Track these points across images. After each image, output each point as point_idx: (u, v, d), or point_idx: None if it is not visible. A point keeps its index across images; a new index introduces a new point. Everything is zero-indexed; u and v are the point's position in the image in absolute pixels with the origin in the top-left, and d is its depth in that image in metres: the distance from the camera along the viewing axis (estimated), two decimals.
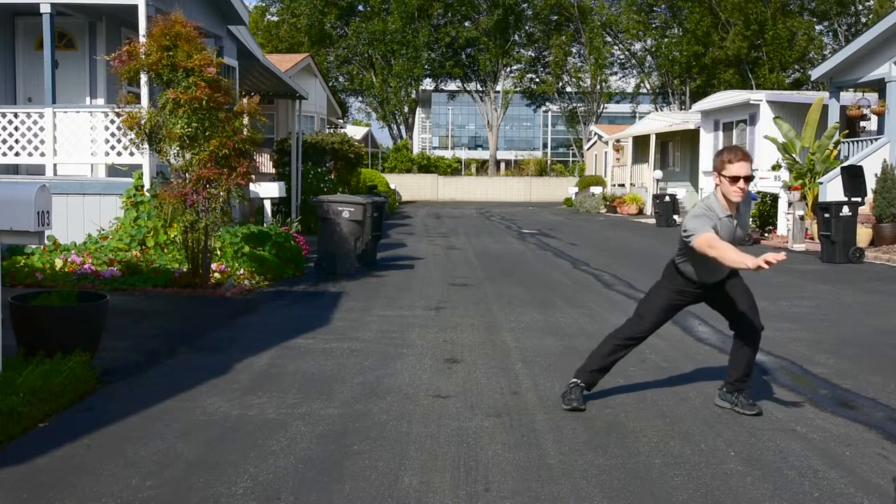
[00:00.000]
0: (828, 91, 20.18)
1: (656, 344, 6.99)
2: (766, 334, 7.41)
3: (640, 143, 33.01)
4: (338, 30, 51.88)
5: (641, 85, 50.98)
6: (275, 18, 51.40)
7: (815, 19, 46.11)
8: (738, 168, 4.66)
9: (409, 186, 44.54)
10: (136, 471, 3.89)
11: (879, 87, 18.77)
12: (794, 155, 18.28)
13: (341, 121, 38.13)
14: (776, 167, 19.65)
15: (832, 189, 16.12)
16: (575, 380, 5.10)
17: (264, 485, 3.76)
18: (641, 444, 4.39)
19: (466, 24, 51.47)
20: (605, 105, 53.07)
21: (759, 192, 19.13)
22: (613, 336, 5.15)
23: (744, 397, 5.01)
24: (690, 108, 34.49)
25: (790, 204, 16.95)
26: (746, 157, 4.71)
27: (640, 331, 5.07)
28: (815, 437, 4.56)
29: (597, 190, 35.25)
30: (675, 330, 7.67)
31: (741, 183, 4.67)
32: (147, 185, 11.12)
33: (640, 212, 30.77)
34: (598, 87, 50.76)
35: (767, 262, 4.24)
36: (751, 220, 18.22)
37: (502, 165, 66.31)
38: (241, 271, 10.13)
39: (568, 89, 52.90)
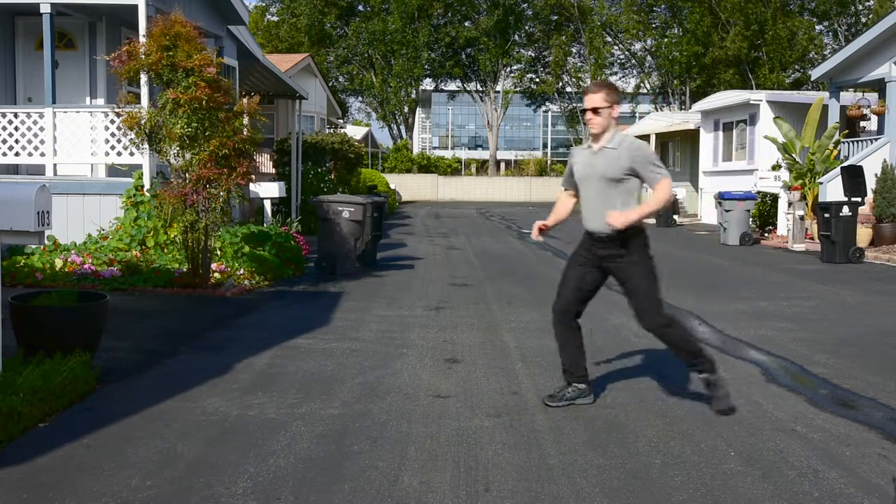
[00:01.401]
0: (828, 91, 20.17)
1: (656, 344, 6.98)
2: (766, 334, 7.46)
3: None
4: (338, 30, 51.87)
5: (641, 85, 50.96)
6: (275, 18, 51.39)
7: (815, 19, 46.08)
8: (585, 101, 4.89)
9: (409, 186, 44.51)
10: (136, 471, 3.89)
11: (879, 87, 18.76)
12: (794, 155, 18.28)
13: (341, 121, 38.13)
14: (776, 167, 19.65)
15: (832, 189, 16.12)
16: (574, 384, 5.10)
17: (264, 485, 3.76)
18: (641, 444, 4.38)
19: (466, 24, 51.44)
20: None
21: (759, 192, 19.13)
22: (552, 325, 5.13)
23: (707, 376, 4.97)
24: (690, 108, 34.46)
25: (790, 204, 16.95)
26: (591, 90, 4.87)
27: (559, 305, 5.01)
28: (815, 437, 4.56)
29: None
30: None
31: (588, 114, 4.86)
32: (147, 185, 11.12)
33: None
34: None
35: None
36: (751, 220, 18.33)
37: (502, 165, 66.28)
38: (241, 271, 10.13)
39: (568, 89, 52.89)
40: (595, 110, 4.80)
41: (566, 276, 5.04)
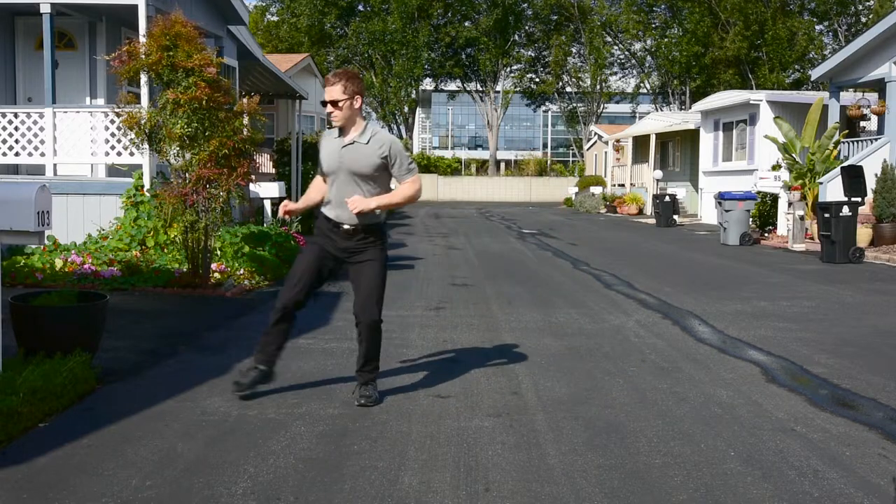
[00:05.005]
0: (828, 91, 20.19)
1: (656, 344, 6.99)
2: (766, 334, 7.46)
3: (640, 143, 33.01)
4: (338, 30, 51.89)
5: (641, 85, 50.97)
6: (275, 18, 51.43)
7: (815, 19, 46.10)
8: (325, 93, 4.73)
9: None
10: (136, 471, 3.89)
11: (879, 87, 18.77)
12: (794, 155, 18.29)
13: None
14: (776, 167, 19.66)
15: (832, 189, 16.13)
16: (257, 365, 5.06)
17: (264, 485, 3.76)
18: (641, 444, 4.38)
19: (466, 24, 51.48)
20: (605, 105, 53.09)
21: (759, 192, 19.14)
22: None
23: (362, 388, 4.97)
24: (690, 108, 34.48)
25: (790, 204, 16.96)
26: (329, 81, 4.70)
27: (295, 296, 4.86)
28: (815, 437, 4.56)
29: (597, 190, 35.25)
30: (675, 330, 7.68)
31: (328, 107, 4.71)
32: (147, 185, 11.12)
33: (640, 212, 30.77)
34: (598, 87, 50.77)
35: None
36: (751, 220, 18.33)
37: (502, 165, 66.28)
38: (241, 271, 10.13)
39: (568, 89, 52.93)
40: (334, 103, 4.65)
41: (305, 265, 4.88)
